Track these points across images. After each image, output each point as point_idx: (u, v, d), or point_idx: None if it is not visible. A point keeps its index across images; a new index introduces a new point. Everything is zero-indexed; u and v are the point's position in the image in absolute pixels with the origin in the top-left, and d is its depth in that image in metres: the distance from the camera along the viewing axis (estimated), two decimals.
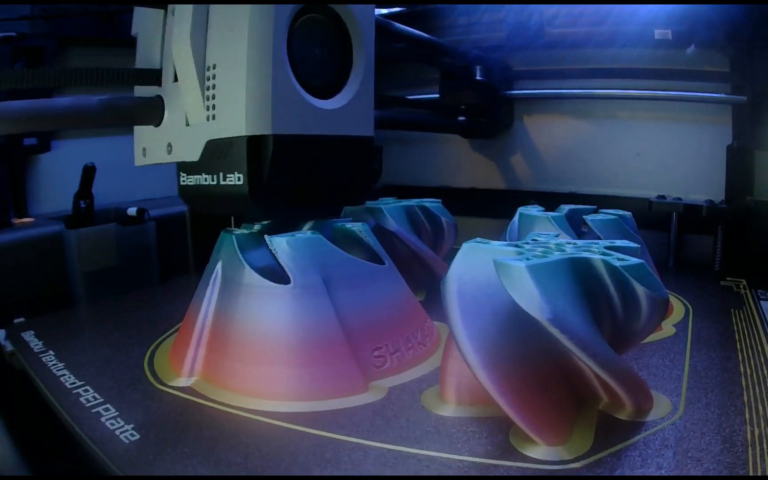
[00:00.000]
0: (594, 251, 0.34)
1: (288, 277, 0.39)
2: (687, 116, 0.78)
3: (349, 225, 0.46)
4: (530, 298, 0.29)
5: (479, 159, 0.94)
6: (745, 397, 0.36)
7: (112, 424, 0.34)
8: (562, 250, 0.34)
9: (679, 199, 0.75)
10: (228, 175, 0.40)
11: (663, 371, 0.40)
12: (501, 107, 0.87)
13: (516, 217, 0.55)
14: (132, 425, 0.34)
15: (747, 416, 0.34)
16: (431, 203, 0.60)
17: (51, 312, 0.57)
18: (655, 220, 0.78)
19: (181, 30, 0.41)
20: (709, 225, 0.74)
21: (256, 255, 0.41)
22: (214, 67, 0.40)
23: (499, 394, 0.30)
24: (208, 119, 0.41)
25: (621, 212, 0.55)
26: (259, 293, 0.39)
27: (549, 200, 0.85)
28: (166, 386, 0.40)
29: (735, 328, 0.49)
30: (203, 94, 0.41)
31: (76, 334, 0.51)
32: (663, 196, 0.76)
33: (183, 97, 0.42)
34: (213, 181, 0.42)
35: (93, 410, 0.36)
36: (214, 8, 0.40)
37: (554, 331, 0.29)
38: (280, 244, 0.40)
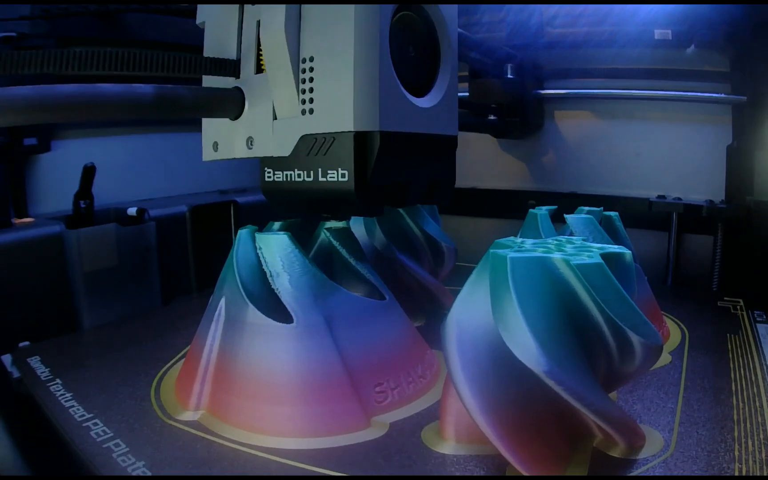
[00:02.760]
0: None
1: (291, 316, 0.39)
2: (687, 116, 0.78)
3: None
4: (527, 350, 0.29)
5: (479, 159, 0.94)
6: (736, 433, 0.37)
7: (124, 461, 0.35)
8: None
9: (679, 199, 0.76)
10: (329, 172, 0.39)
11: (657, 404, 0.41)
12: (531, 107, 0.86)
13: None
14: (143, 462, 0.34)
15: (736, 453, 0.34)
16: (432, 225, 0.59)
17: (54, 326, 0.57)
18: (655, 220, 0.78)
19: (273, 21, 0.39)
20: (709, 225, 0.74)
21: (259, 286, 0.41)
22: (311, 60, 0.39)
23: (495, 436, 0.31)
24: (303, 113, 0.40)
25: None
26: (262, 332, 0.39)
27: (548, 200, 0.86)
28: (174, 420, 0.40)
29: (730, 355, 0.49)
30: (298, 87, 0.40)
31: (82, 361, 0.51)
32: (663, 196, 0.77)
33: (272, 90, 0.41)
34: (309, 177, 0.40)
35: (104, 445, 0.36)
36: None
37: (551, 383, 0.29)
38: (282, 281, 0.40)
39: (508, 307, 0.30)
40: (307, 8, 0.40)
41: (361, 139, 0.39)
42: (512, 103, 0.83)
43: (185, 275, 0.73)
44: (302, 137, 0.40)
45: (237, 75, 0.44)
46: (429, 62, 0.45)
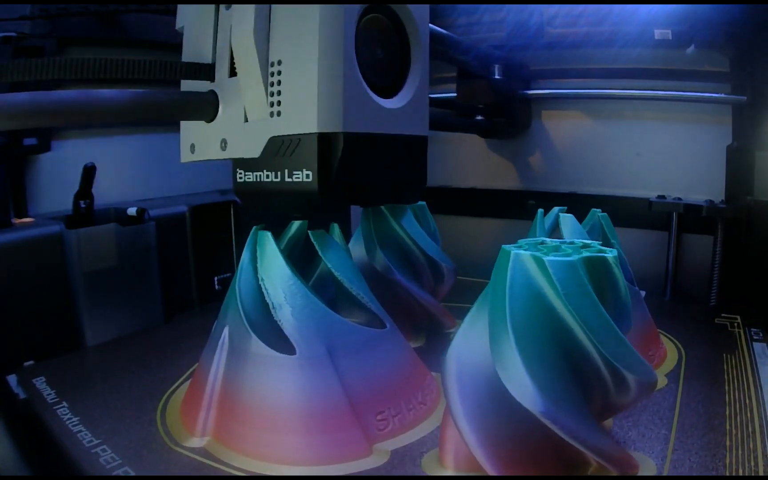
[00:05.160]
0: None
1: (293, 347, 0.40)
2: (687, 116, 0.78)
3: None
4: (524, 390, 0.30)
5: (479, 159, 0.94)
6: (728, 460, 0.37)
7: None
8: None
9: (679, 199, 0.75)
10: (295, 172, 0.40)
11: (652, 430, 0.41)
12: (518, 107, 0.86)
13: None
14: None
15: None
16: (431, 246, 0.59)
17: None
18: (655, 220, 0.78)
19: (243, 25, 0.40)
20: (709, 225, 0.74)
21: (261, 317, 0.42)
22: (279, 63, 0.40)
23: (494, 469, 0.32)
24: (271, 115, 0.41)
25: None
26: (265, 362, 0.40)
27: (548, 200, 0.86)
28: (180, 447, 0.40)
29: (726, 376, 0.49)
30: (266, 90, 0.40)
31: (87, 382, 0.51)
32: (663, 196, 0.77)
33: (243, 93, 0.42)
34: (276, 178, 0.41)
35: (114, 473, 0.37)
36: (279, 4, 0.40)
37: (547, 422, 0.30)
38: (284, 313, 0.40)
39: (506, 345, 0.31)
40: (276, 12, 0.40)
41: (324, 140, 0.39)
42: (499, 103, 0.83)
43: (185, 275, 0.73)
44: (271, 139, 0.41)
45: (212, 78, 0.44)
46: (398, 63, 0.45)
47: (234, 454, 0.39)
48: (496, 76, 0.80)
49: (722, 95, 0.74)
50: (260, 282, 0.42)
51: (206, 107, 0.44)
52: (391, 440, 0.40)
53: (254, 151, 0.42)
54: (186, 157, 0.48)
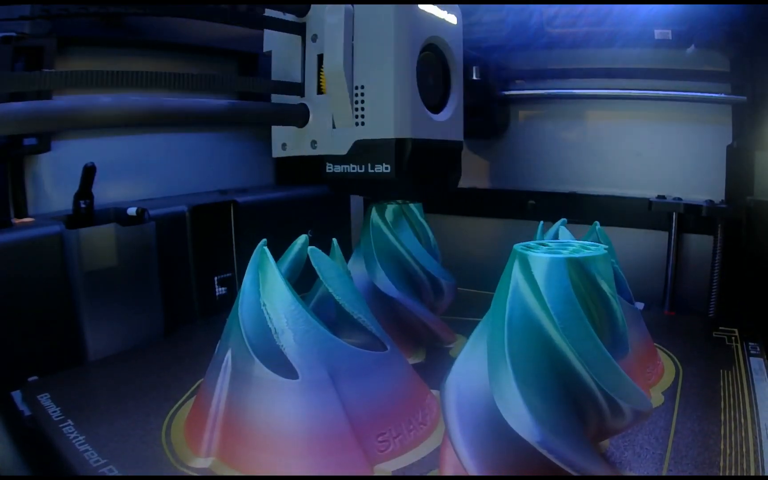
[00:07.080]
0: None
1: (296, 371, 0.40)
2: (687, 116, 0.78)
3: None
4: (521, 421, 0.31)
5: (479, 159, 0.94)
6: None
7: None
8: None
9: (679, 199, 0.75)
10: (376, 165, 0.54)
11: (647, 450, 0.41)
12: (497, 108, 0.87)
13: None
14: None
15: None
16: (432, 262, 0.61)
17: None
18: (655, 220, 0.78)
19: (334, 59, 0.53)
20: (709, 225, 0.74)
21: (264, 341, 0.42)
22: (362, 87, 0.53)
23: None
24: (356, 124, 0.54)
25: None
26: (268, 386, 0.40)
27: (548, 200, 0.86)
28: (186, 467, 0.41)
29: (722, 393, 0.49)
30: (352, 106, 0.54)
31: (92, 399, 0.51)
32: (663, 196, 0.77)
33: (332, 107, 0.55)
34: (361, 169, 0.55)
35: None
36: (359, 43, 0.53)
37: (544, 452, 0.31)
38: (287, 338, 0.41)
39: (504, 375, 0.32)
40: (358, 49, 0.53)
41: (399, 143, 0.53)
42: (479, 104, 0.85)
43: (185, 275, 0.73)
44: (356, 142, 0.54)
45: (302, 94, 0.57)
46: (443, 87, 0.60)
47: (239, 474, 0.40)
48: (474, 77, 0.82)
49: (722, 95, 0.74)
50: (262, 307, 0.43)
51: (301, 116, 0.57)
52: (392, 461, 0.41)
53: (341, 149, 0.55)
54: (277, 153, 0.60)
